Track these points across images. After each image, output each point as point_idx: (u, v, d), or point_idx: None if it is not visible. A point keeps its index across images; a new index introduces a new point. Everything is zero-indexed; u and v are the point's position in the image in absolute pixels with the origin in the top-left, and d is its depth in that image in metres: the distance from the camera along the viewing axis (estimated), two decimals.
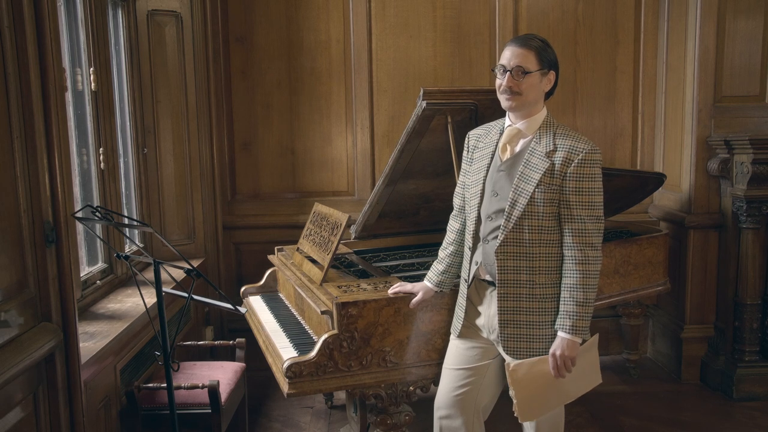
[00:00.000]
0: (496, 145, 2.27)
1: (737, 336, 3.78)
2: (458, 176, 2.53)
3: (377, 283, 2.68)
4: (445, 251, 2.50)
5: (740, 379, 3.73)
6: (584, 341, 2.18)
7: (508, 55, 2.16)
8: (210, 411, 2.69)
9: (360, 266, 3.11)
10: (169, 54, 3.71)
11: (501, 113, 2.34)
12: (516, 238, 2.16)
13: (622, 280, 3.55)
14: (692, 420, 3.53)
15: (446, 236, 2.52)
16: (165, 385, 2.24)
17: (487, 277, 2.27)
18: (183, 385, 2.68)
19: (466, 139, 2.44)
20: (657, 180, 3.85)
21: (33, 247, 1.99)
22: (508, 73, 2.14)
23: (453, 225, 2.49)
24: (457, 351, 2.42)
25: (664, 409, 3.68)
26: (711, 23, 3.76)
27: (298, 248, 3.26)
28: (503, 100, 2.19)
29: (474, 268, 2.30)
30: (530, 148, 2.18)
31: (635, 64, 4.30)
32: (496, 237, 2.19)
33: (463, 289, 2.38)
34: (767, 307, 3.76)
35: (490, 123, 2.40)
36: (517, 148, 2.21)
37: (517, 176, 2.17)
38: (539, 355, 2.20)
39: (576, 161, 2.11)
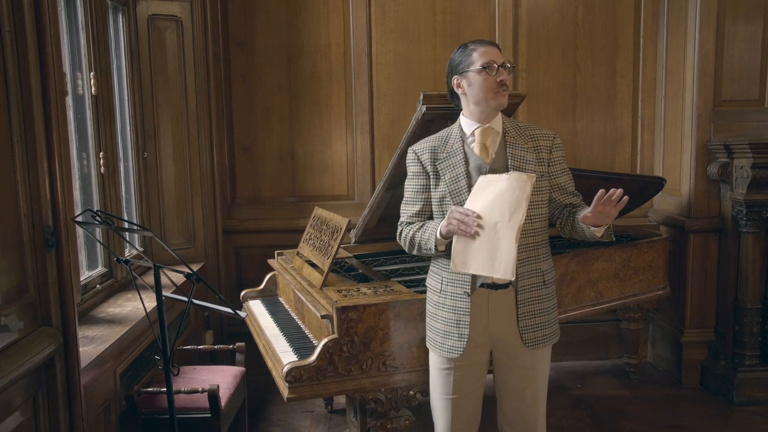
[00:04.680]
0: (464, 151, 2.23)
1: (737, 340, 3.78)
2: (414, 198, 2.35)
3: (377, 288, 2.67)
4: (418, 224, 2.31)
5: (740, 383, 3.72)
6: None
7: (491, 53, 2.17)
8: (210, 415, 2.69)
9: (360, 270, 3.11)
10: (169, 58, 3.71)
11: None
12: (524, 230, 2.13)
13: (622, 284, 3.55)
14: (692, 424, 3.52)
15: (410, 227, 2.33)
16: (165, 389, 2.23)
17: (497, 281, 2.18)
18: (183, 389, 2.67)
19: (413, 155, 2.31)
20: (657, 184, 3.86)
21: (33, 252, 1.99)
22: (500, 67, 2.16)
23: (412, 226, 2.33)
24: (459, 375, 2.25)
25: (665, 413, 3.67)
26: (710, 28, 3.76)
27: (298, 252, 3.26)
28: (499, 98, 2.17)
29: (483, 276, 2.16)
30: (509, 143, 2.21)
31: (635, 68, 4.30)
32: None
33: (462, 304, 2.21)
34: (767, 311, 3.76)
35: (436, 135, 2.33)
36: (496, 146, 2.22)
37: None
38: (551, 341, 2.27)
39: (553, 146, 2.24)
